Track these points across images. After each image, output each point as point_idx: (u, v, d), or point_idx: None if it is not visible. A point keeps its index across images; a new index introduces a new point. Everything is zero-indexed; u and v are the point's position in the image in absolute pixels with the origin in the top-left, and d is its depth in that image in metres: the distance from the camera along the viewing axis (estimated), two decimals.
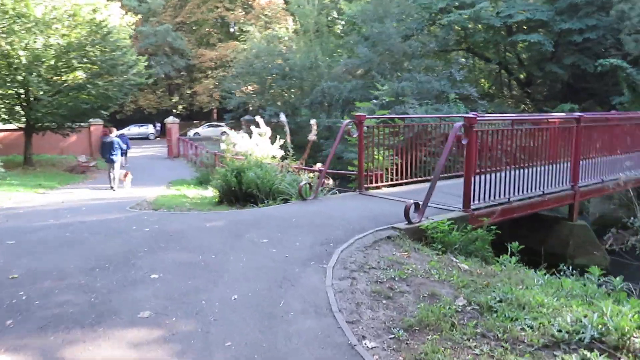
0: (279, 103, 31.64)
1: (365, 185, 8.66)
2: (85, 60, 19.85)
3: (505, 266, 5.23)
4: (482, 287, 4.36)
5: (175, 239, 5.74)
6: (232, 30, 49.08)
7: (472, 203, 6.91)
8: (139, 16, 25.57)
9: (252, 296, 4.05)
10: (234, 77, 34.88)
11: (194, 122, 50.24)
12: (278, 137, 12.61)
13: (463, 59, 25.84)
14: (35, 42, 17.89)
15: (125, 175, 16.39)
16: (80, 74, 20.24)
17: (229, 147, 12.91)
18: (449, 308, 3.81)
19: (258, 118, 12.95)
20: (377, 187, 8.80)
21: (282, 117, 13.07)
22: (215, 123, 48.68)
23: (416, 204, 6.28)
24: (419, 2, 26.09)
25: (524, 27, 26.34)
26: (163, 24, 43.62)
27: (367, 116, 8.40)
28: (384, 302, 3.97)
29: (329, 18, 36.68)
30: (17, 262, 5.09)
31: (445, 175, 9.58)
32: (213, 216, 7.16)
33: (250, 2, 43.59)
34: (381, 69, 24.55)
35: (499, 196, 7.29)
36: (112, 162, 15.52)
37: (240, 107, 33.25)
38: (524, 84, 30.43)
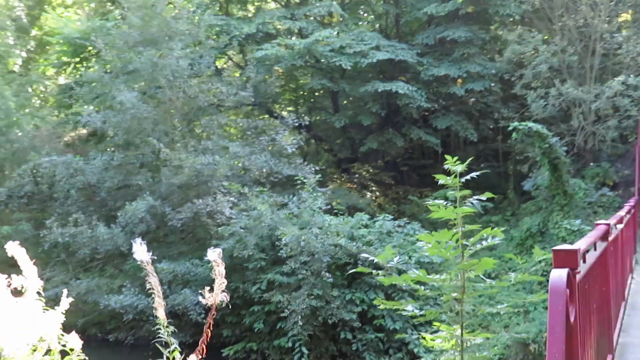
0: None
1: None
2: None
3: None
4: None
5: None
6: None
7: None
8: None
9: None
10: None
11: None
12: None
13: (296, 121, 15.46)
14: None
15: None
16: None
17: None
18: None
19: (11, 245, 2.39)
20: None
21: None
22: None
23: None
24: (209, 21, 15.47)
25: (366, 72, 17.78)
26: None
27: None
28: None
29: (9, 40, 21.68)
30: None
31: None
32: None
33: None
34: (163, 131, 13.27)
35: None
36: None
37: None
38: (342, 160, 21.02)
